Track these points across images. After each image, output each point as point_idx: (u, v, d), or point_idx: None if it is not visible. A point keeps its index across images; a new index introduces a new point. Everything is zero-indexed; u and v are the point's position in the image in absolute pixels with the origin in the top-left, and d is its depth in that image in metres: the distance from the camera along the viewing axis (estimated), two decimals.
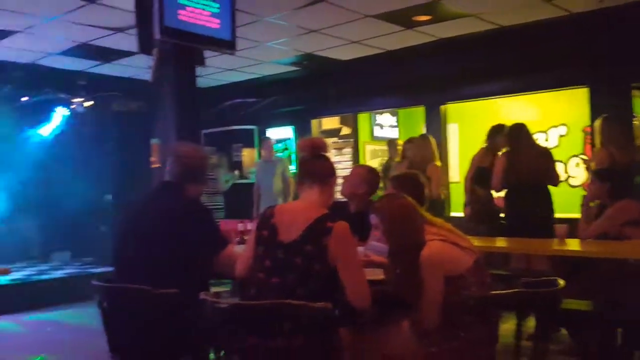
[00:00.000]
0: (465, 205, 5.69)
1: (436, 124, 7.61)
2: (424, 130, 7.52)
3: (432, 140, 6.22)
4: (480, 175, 5.47)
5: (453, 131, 7.86)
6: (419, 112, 8.20)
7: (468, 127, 7.73)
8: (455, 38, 6.82)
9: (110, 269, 6.82)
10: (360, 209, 3.50)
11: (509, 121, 5.47)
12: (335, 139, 9.30)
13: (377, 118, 9.32)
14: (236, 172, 8.77)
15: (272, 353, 2.17)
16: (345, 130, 9.40)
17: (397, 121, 9.59)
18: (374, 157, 9.21)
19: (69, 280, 7.05)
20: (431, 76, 7.35)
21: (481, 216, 5.49)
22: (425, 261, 2.35)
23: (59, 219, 8.09)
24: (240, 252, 2.88)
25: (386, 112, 9.31)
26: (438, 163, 6.16)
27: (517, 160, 4.91)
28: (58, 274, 7.34)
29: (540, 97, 7.23)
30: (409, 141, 6.46)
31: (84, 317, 5.69)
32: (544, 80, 6.63)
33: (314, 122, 9.07)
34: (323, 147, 2.62)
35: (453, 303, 2.31)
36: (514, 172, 4.90)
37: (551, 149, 5.74)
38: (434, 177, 5.86)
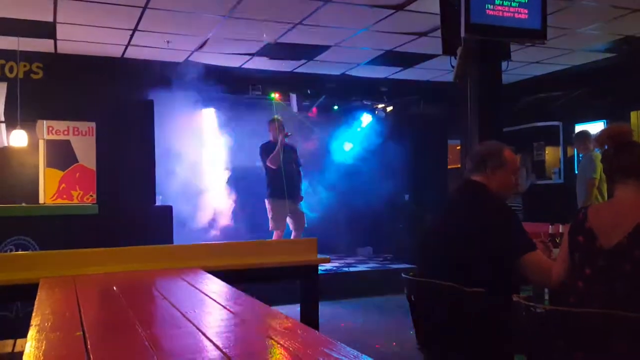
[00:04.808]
0: None
1: None
2: None
3: None
4: None
5: None
6: None
7: None
8: None
9: (407, 265, 7.06)
10: None
11: None
12: None
13: None
14: (532, 174, 8.17)
15: None
16: None
17: None
18: None
19: (372, 273, 7.55)
20: None
21: None
22: None
23: (362, 216, 8.73)
24: (549, 259, 2.66)
25: None
26: None
27: None
28: (362, 267, 7.92)
29: None
30: None
31: (388, 309, 6.01)
32: None
33: (634, 114, 7.93)
34: (626, 134, 2.20)
35: None
36: None
37: None
38: None
